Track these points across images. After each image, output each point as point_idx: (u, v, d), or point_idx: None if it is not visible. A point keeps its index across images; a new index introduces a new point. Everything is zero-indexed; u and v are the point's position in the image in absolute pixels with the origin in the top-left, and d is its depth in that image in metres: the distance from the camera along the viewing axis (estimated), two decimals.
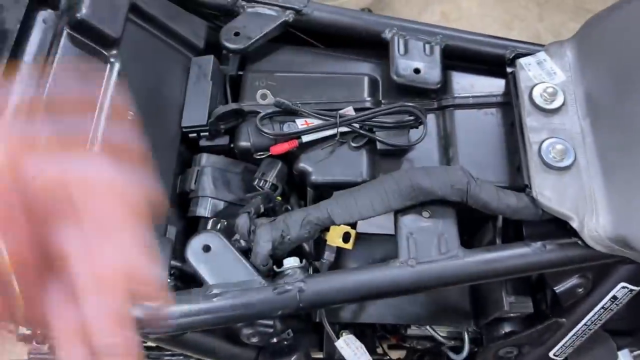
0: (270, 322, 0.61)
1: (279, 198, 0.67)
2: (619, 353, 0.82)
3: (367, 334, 0.86)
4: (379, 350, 0.90)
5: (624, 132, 0.56)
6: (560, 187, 0.57)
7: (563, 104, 0.61)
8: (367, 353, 0.63)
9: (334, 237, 0.64)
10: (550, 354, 0.70)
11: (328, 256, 0.63)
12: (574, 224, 0.56)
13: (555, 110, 0.61)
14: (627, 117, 0.56)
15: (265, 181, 0.65)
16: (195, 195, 0.65)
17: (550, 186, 0.57)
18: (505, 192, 0.59)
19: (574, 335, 0.67)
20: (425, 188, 0.59)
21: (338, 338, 0.75)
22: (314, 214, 0.59)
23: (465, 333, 0.82)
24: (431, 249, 0.59)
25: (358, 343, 0.63)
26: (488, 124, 0.68)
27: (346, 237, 0.65)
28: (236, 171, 0.68)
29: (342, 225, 0.65)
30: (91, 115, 0.49)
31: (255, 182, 0.66)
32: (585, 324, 0.66)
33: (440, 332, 0.84)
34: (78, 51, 0.57)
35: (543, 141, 0.59)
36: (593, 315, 0.65)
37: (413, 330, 0.85)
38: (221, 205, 0.66)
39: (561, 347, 0.69)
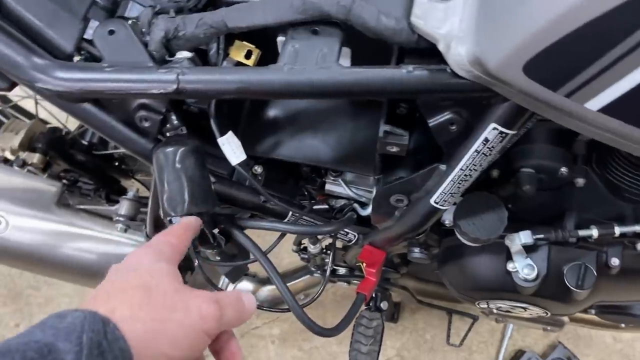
0: (161, 109, 0.68)
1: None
2: (521, 233, 0.84)
3: (289, 182, 0.93)
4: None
5: None
6: (436, 14, 0.59)
7: None
8: (245, 154, 0.69)
9: (237, 52, 0.70)
10: (431, 201, 0.73)
11: (226, 64, 0.69)
12: (440, 46, 0.59)
13: None
14: None
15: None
16: None
17: (426, 11, 0.60)
18: (387, 16, 0.62)
19: (452, 181, 0.70)
20: (314, 2, 0.63)
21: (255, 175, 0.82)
22: (209, 16, 0.65)
23: (373, 191, 0.87)
24: (309, 60, 0.63)
25: (237, 142, 0.69)
26: None
27: (248, 54, 0.70)
28: None
29: (246, 43, 0.70)
30: None
31: None
32: (461, 169, 0.68)
33: (353, 190, 0.89)
34: None
35: None
36: (468, 160, 0.67)
37: (330, 186, 0.90)
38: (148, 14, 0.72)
39: (441, 193, 0.72)
